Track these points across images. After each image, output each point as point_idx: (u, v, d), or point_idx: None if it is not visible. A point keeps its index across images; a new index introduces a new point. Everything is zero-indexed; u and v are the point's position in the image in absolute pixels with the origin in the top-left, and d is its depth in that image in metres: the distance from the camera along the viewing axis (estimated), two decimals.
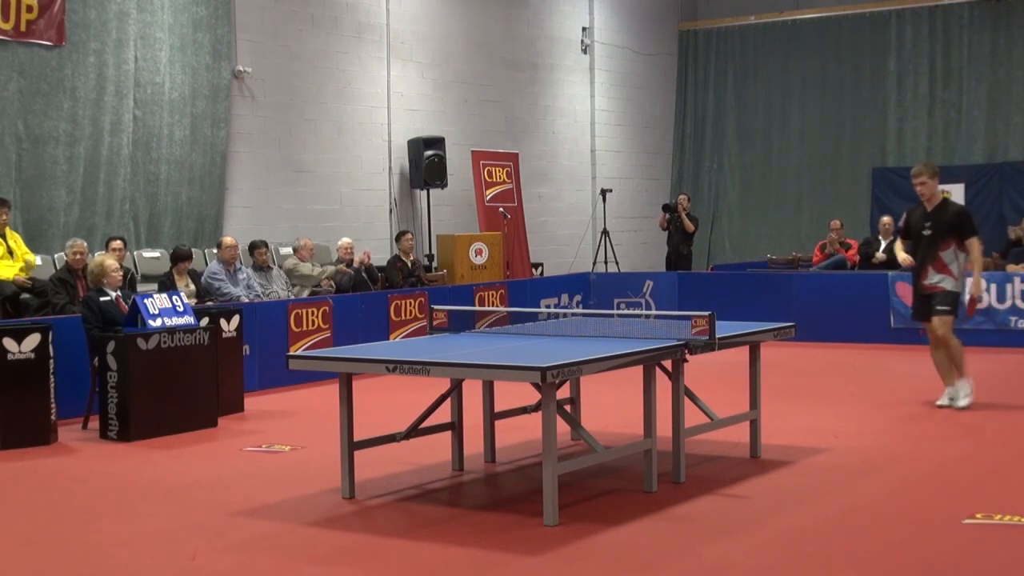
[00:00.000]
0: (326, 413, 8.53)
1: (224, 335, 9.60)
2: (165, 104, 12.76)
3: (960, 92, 19.09)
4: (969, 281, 9.00)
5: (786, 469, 7.04)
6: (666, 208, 17.55)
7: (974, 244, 8.89)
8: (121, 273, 9.19)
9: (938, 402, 9.18)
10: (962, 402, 9.03)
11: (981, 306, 11.33)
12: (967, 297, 9.05)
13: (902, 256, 9.27)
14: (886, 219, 15.89)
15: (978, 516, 5.77)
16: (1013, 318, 12.88)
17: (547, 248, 18.10)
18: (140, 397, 8.43)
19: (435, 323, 7.53)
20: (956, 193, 18.29)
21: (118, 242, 11.12)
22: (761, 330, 7.48)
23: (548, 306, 14.19)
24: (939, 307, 8.90)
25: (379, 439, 6.80)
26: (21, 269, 10.58)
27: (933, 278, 8.95)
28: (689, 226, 17.12)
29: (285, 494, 6.59)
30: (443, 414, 7.14)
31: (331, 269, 12.81)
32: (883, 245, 15.58)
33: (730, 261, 19.53)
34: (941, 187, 19.48)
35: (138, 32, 12.46)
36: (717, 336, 6.49)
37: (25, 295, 10.36)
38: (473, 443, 7.34)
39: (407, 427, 6.90)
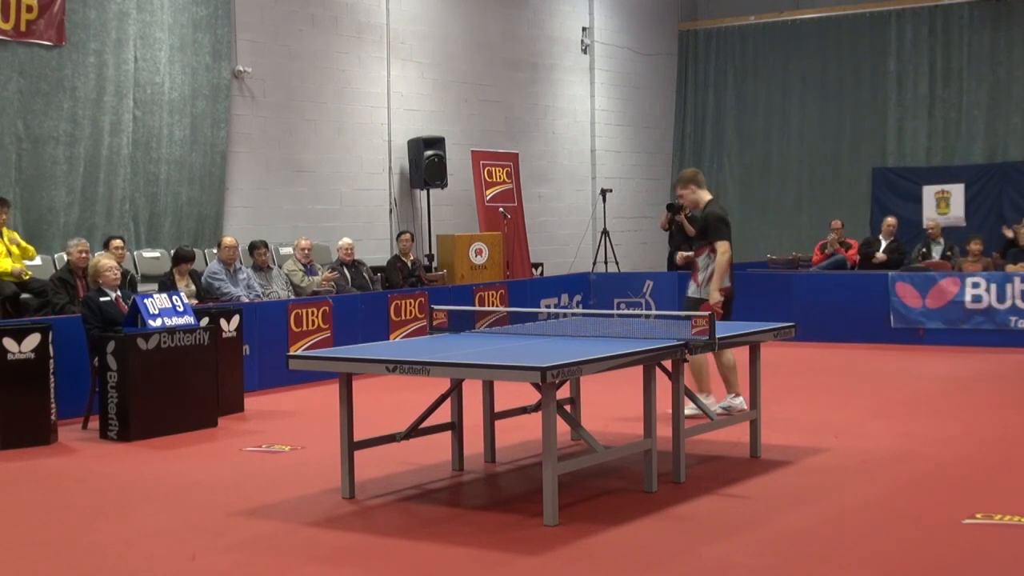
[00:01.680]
0: (326, 413, 8.53)
1: (224, 335, 9.59)
2: (165, 104, 12.76)
3: (960, 92, 19.08)
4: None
5: (786, 469, 7.04)
6: (670, 208, 17.42)
7: (719, 248, 8.36)
8: (117, 272, 9.16)
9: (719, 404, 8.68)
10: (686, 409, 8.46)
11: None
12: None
13: (680, 256, 8.84)
14: (891, 219, 15.89)
15: (978, 516, 5.77)
16: (1013, 318, 12.88)
17: (547, 248, 18.10)
18: (140, 397, 8.43)
19: (435, 323, 7.53)
20: (956, 193, 18.35)
21: (118, 241, 11.11)
22: (761, 330, 7.48)
23: (548, 306, 14.19)
24: None
25: (379, 439, 6.80)
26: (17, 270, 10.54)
27: (690, 285, 8.64)
28: (690, 230, 16.98)
29: (285, 494, 6.59)
30: (443, 414, 7.14)
31: (317, 279, 12.69)
32: (883, 245, 15.59)
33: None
34: (942, 187, 19.55)
35: (138, 32, 12.45)
36: (717, 336, 6.50)
37: (25, 295, 10.36)
38: (473, 443, 7.34)
39: (407, 427, 6.90)
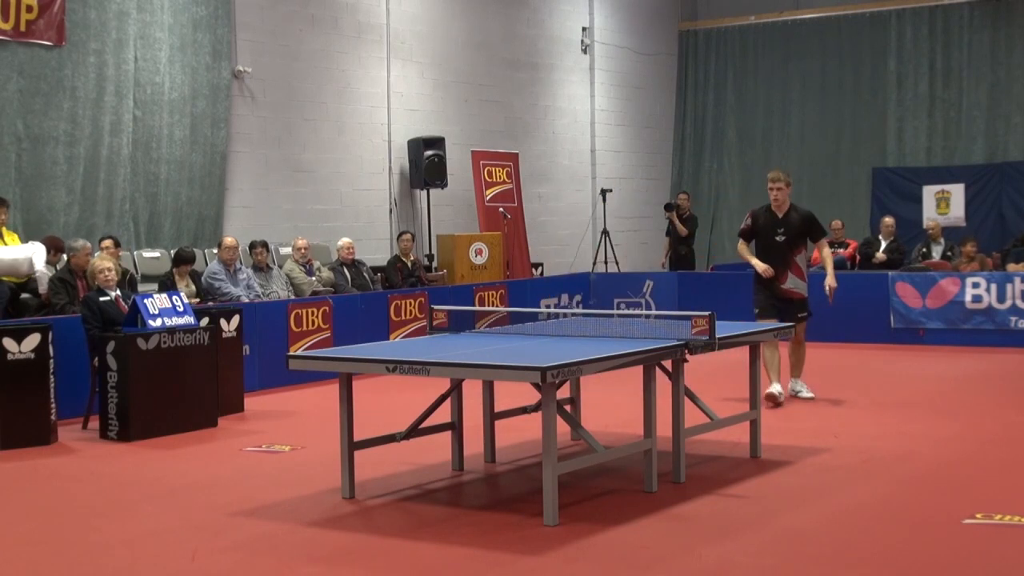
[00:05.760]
0: (326, 413, 8.53)
1: (224, 335, 9.59)
2: (165, 104, 12.76)
3: (960, 92, 19.07)
4: (824, 278, 9.68)
5: (786, 469, 7.04)
6: (668, 207, 17.37)
7: (826, 244, 9.99)
8: (112, 274, 9.13)
9: (792, 391, 9.66)
10: (807, 393, 9.66)
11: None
12: (827, 289, 9.61)
13: (763, 267, 9.47)
14: (888, 220, 15.89)
15: (978, 516, 5.77)
16: (1013, 318, 12.88)
17: (547, 248, 18.10)
18: (140, 397, 8.43)
19: (435, 323, 7.53)
20: (956, 193, 18.34)
21: (108, 241, 11.01)
22: (761, 330, 7.48)
23: (548, 306, 14.19)
24: (801, 314, 9.38)
25: (379, 439, 6.80)
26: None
27: (791, 283, 9.41)
28: (682, 230, 16.93)
29: (285, 494, 6.59)
30: (443, 414, 7.14)
31: (315, 283, 12.68)
32: (883, 245, 15.58)
33: (730, 261, 19.50)
34: (942, 187, 19.60)
35: (138, 32, 12.45)
36: (717, 336, 6.49)
37: (25, 295, 10.36)
38: (473, 443, 7.34)
39: (407, 427, 6.90)
